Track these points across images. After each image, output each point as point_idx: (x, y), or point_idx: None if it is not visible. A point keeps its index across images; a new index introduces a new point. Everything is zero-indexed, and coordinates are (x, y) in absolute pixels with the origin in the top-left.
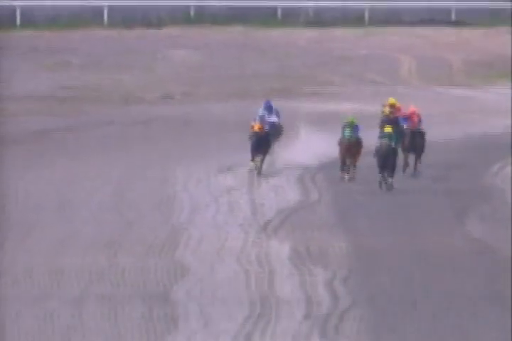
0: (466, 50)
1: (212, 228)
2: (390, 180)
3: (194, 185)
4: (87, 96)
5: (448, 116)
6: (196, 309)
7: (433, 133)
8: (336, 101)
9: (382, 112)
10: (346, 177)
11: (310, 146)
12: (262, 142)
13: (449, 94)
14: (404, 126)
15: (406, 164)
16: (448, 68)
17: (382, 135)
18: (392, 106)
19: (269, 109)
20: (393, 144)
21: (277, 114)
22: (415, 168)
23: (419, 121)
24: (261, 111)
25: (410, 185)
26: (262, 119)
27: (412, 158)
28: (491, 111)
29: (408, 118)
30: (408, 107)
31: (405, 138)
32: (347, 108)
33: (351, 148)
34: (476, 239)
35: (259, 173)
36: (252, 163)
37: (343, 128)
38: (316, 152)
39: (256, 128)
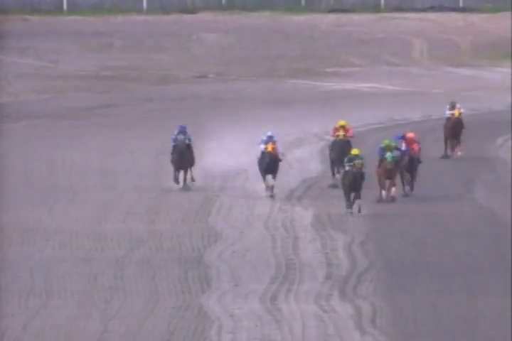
0: (472, 33)
1: (242, 196)
2: (358, 201)
3: (225, 155)
4: (128, 75)
5: (456, 93)
6: (227, 271)
7: (443, 110)
8: (355, 80)
9: (337, 136)
10: (386, 194)
11: (331, 120)
12: (273, 162)
13: (457, 74)
14: (403, 148)
15: (405, 181)
16: (456, 50)
17: (352, 157)
18: (342, 127)
19: (183, 132)
20: (363, 166)
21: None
22: (410, 187)
23: (419, 149)
24: (176, 134)
25: (422, 157)
26: (270, 139)
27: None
28: (495, 89)
29: (408, 145)
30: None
31: (404, 161)
32: (365, 86)
33: (391, 171)
34: (482, 206)
35: (272, 196)
36: (264, 185)
37: (382, 151)
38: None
39: (270, 148)
